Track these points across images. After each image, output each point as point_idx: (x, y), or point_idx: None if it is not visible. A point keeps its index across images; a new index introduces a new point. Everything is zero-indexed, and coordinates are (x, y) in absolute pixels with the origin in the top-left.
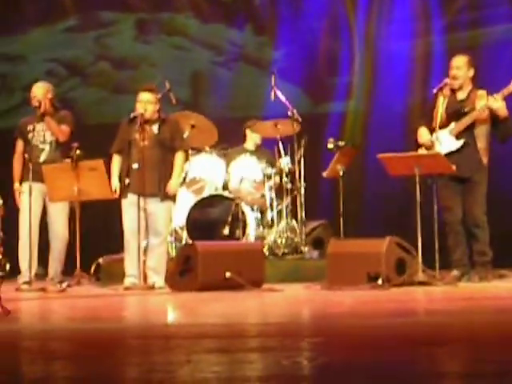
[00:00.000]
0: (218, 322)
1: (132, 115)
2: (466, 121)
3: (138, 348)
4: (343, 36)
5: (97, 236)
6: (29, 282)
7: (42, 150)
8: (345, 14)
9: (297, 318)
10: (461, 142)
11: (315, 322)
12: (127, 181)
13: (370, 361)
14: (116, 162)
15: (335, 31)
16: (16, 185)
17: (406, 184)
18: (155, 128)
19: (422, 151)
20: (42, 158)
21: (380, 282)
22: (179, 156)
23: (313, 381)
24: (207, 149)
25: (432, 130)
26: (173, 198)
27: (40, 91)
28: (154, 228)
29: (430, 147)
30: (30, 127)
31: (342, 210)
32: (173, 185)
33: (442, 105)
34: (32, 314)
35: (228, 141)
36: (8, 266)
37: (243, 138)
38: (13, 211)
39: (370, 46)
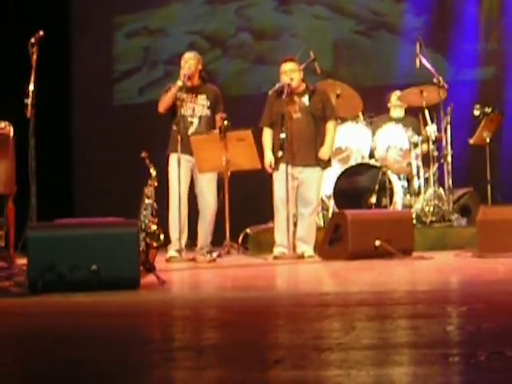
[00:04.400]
0: (373, 290)
1: (277, 86)
2: None
3: (297, 316)
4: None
5: (244, 206)
6: (179, 253)
7: (191, 123)
8: None
9: (453, 285)
10: None
11: (472, 288)
12: (280, 153)
13: None
14: (267, 135)
15: None
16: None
17: None
18: (305, 99)
19: None
20: (191, 130)
21: None
22: (331, 124)
23: (477, 346)
24: (353, 118)
25: None
26: (327, 167)
27: (193, 61)
28: (304, 197)
29: None
30: (178, 94)
31: (489, 177)
32: (325, 151)
33: None
34: (184, 284)
35: (371, 109)
36: (162, 237)
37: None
38: (163, 182)
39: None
